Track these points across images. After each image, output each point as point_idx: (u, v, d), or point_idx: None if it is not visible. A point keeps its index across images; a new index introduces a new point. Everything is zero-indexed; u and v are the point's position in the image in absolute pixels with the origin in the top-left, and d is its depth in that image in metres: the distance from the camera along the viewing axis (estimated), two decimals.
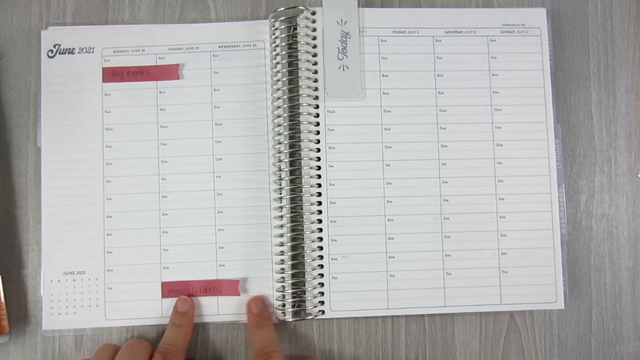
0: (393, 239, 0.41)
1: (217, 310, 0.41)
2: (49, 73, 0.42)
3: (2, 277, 0.41)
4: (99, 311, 0.41)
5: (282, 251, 0.41)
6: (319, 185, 0.41)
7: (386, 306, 0.41)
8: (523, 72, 0.43)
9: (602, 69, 0.45)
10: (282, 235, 0.41)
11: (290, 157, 0.41)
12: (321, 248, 0.41)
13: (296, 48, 0.42)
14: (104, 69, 0.42)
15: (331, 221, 0.41)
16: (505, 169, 0.42)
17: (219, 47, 0.42)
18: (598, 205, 0.44)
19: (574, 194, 0.44)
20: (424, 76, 0.43)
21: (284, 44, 0.41)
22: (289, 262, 0.41)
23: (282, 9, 0.42)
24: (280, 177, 0.41)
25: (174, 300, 0.40)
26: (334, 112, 0.42)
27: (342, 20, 0.42)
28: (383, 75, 0.42)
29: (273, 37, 0.42)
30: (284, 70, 0.41)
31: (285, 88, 0.41)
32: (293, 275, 0.40)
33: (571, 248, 0.44)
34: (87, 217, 0.41)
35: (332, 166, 0.41)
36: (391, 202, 0.41)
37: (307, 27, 0.42)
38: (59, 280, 0.41)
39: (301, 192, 0.41)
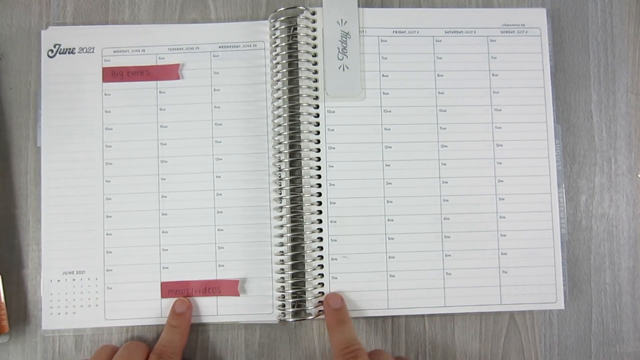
0: (393, 239, 0.41)
1: (217, 310, 0.41)
2: (49, 73, 0.42)
3: (2, 277, 0.41)
4: (98, 311, 0.41)
5: (282, 251, 0.41)
6: (319, 185, 0.41)
7: (386, 306, 0.41)
8: (523, 72, 0.43)
9: (602, 69, 0.45)
10: (282, 235, 0.41)
11: (290, 157, 0.41)
12: (321, 248, 0.41)
13: (296, 48, 0.42)
14: (104, 69, 0.42)
15: (331, 221, 0.41)
16: (505, 169, 0.42)
17: (219, 47, 0.42)
18: (598, 205, 0.44)
19: (574, 194, 0.44)
20: (424, 76, 0.43)
21: (284, 44, 0.41)
22: (289, 262, 0.41)
23: (282, 9, 0.42)
24: (280, 177, 0.41)
25: (173, 300, 0.40)
26: (334, 112, 0.42)
27: (342, 20, 0.42)
28: (383, 75, 0.42)
29: (273, 37, 0.42)
30: (284, 70, 0.41)
31: (285, 88, 0.41)
32: (293, 276, 0.40)
33: (571, 248, 0.44)
34: (87, 217, 0.41)
35: (332, 166, 0.41)
36: (391, 202, 0.41)
37: (307, 27, 0.42)
38: (58, 280, 0.41)
39: (301, 192, 0.41)
